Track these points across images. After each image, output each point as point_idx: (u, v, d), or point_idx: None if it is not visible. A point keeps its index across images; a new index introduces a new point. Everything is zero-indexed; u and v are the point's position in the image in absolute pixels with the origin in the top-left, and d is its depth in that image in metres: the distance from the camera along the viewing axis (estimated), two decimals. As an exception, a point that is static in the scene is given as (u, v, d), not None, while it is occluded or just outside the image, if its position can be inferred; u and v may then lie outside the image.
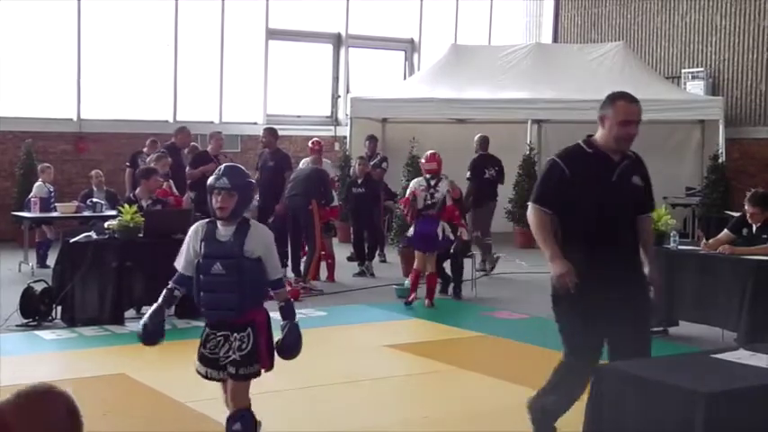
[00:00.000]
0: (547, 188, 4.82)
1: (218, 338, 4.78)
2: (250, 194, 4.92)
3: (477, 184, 12.89)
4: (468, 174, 12.94)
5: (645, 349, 4.75)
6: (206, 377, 4.92)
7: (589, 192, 4.70)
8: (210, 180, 4.78)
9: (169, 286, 4.92)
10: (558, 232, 4.78)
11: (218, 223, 4.77)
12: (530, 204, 4.89)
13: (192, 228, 4.90)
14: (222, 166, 4.90)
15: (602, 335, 4.76)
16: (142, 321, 4.91)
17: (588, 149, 4.82)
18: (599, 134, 4.85)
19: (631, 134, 4.75)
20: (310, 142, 13.26)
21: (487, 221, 12.98)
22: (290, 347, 4.90)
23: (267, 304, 4.94)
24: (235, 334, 4.74)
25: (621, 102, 4.78)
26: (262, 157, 12.71)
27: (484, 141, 13.34)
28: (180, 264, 4.89)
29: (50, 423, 2.40)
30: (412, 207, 10.41)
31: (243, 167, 5.00)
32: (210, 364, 4.84)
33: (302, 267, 11.70)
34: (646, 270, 4.87)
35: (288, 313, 4.90)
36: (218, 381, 4.93)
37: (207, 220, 4.87)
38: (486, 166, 13.05)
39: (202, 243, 4.77)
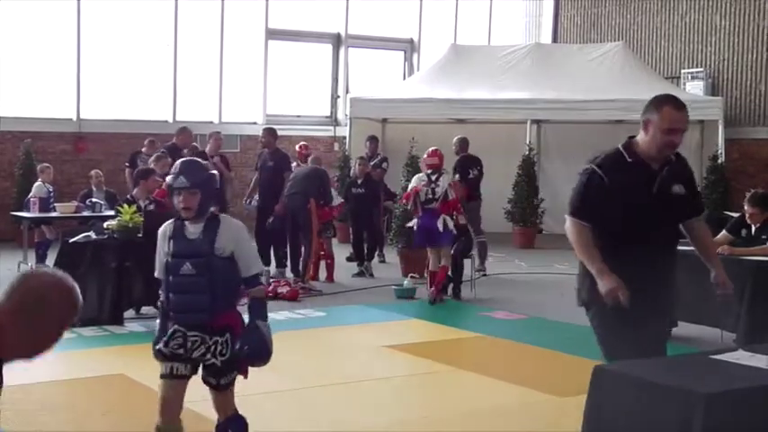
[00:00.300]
0: (585, 199, 4.51)
1: (193, 339, 4.46)
2: (213, 189, 4.61)
3: (463, 185, 12.93)
4: (457, 176, 12.94)
5: (662, 349, 4.67)
6: (170, 375, 4.54)
7: (628, 203, 4.45)
8: (168, 180, 4.53)
9: (161, 298, 4.67)
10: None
11: (187, 221, 4.52)
12: (567, 218, 4.56)
13: (160, 230, 4.65)
14: (178, 164, 4.61)
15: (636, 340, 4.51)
16: (154, 339, 4.65)
17: (628, 158, 4.51)
18: (640, 138, 4.54)
19: (676, 143, 4.49)
20: (297, 146, 13.30)
21: (478, 220, 13.01)
22: (253, 353, 4.46)
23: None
24: (216, 337, 4.46)
25: (668, 108, 4.46)
26: (261, 158, 12.72)
27: (464, 143, 13.35)
28: (157, 271, 4.66)
29: (50, 321, 2.39)
30: (415, 201, 10.51)
31: (201, 161, 4.75)
32: (173, 359, 4.50)
33: (300, 267, 11.70)
34: (712, 275, 4.66)
35: (256, 311, 4.52)
36: (181, 378, 4.55)
37: (175, 218, 4.61)
38: (469, 167, 13.08)
39: (170, 241, 4.53)
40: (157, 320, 4.77)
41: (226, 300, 4.49)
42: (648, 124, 4.48)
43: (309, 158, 12.52)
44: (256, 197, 12.68)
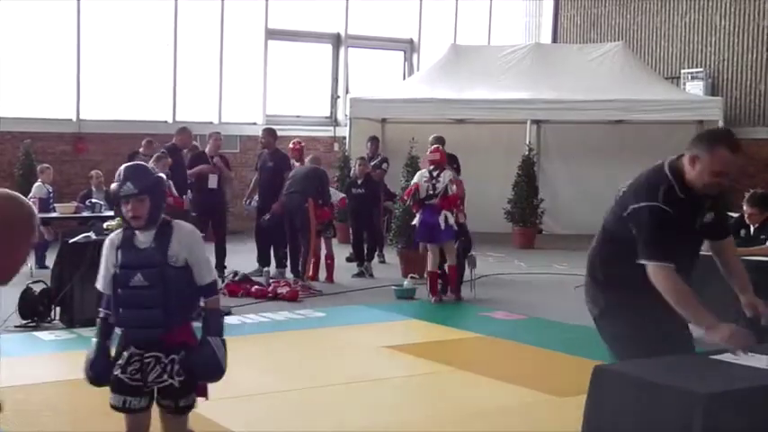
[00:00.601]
0: (665, 240, 4.15)
1: (148, 360, 4.15)
2: (162, 194, 4.28)
3: None
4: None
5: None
6: (123, 408, 4.24)
7: (678, 235, 4.26)
8: (113, 187, 4.26)
9: (101, 314, 4.38)
10: (619, 259, 4.33)
11: (137, 230, 4.22)
12: (651, 265, 4.12)
13: (107, 240, 4.38)
14: (122, 170, 4.25)
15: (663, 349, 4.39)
16: (88, 356, 4.34)
17: (681, 194, 4.19)
18: (687, 170, 4.18)
19: (722, 185, 4.24)
20: (291, 143, 13.32)
21: None
22: (203, 371, 4.19)
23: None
24: (172, 356, 4.15)
25: (722, 150, 4.09)
26: (261, 158, 12.73)
27: (440, 141, 13.33)
28: (101, 283, 4.38)
29: (14, 243, 2.43)
30: (414, 198, 10.51)
31: (147, 166, 4.40)
32: (131, 391, 4.19)
33: (300, 267, 11.70)
34: (742, 300, 4.44)
35: (210, 325, 4.21)
36: (137, 411, 4.25)
37: (124, 226, 4.32)
38: None
39: (119, 251, 4.23)
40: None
41: (181, 313, 4.20)
42: (697, 161, 4.14)
43: (308, 158, 12.52)
44: (256, 197, 12.68)
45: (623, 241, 4.26)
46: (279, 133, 13.23)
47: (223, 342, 4.22)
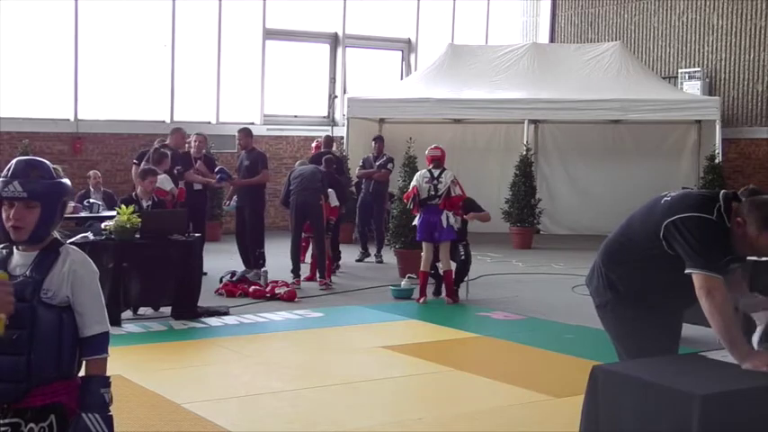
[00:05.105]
0: (716, 251, 3.98)
1: (3, 429, 3.04)
2: (57, 204, 3.17)
3: None
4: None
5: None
6: None
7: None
8: None
9: None
10: (635, 261, 4.28)
11: (16, 248, 3.14)
12: (701, 274, 3.95)
13: None
14: (13, 163, 3.15)
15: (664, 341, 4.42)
16: None
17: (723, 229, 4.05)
18: (732, 223, 4.03)
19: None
20: (315, 141, 13.40)
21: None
22: None
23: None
24: (31, 425, 3.03)
25: None
26: (240, 158, 12.78)
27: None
28: None
29: None
30: (414, 200, 10.52)
31: (46, 162, 3.23)
32: None
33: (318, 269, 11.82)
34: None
35: (88, 397, 3.09)
36: None
37: (2, 244, 3.21)
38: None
39: None
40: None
41: (54, 367, 3.08)
42: (742, 228, 3.99)
43: (298, 162, 12.60)
44: (236, 198, 12.66)
45: (647, 246, 4.21)
46: (277, 133, 13.24)
47: (108, 420, 3.10)
